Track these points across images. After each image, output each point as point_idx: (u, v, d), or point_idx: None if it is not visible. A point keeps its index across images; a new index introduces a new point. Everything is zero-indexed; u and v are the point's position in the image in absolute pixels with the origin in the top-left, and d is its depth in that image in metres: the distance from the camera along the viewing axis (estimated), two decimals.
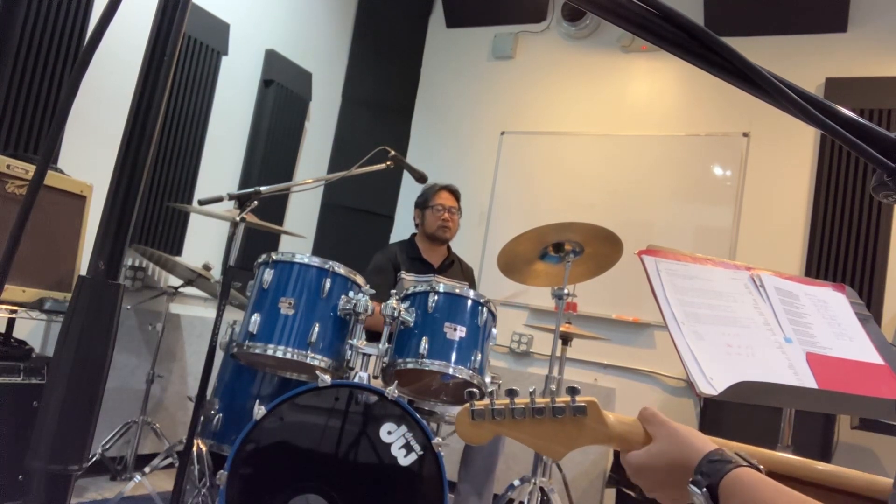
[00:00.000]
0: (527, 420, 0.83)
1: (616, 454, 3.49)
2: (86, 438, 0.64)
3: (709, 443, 0.77)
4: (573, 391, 0.82)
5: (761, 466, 0.73)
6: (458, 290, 2.36)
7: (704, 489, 0.71)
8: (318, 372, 2.08)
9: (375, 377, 2.31)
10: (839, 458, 3.35)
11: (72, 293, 0.73)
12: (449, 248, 3.29)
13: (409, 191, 4.68)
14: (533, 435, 0.83)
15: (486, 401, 0.84)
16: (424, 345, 2.24)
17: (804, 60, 3.91)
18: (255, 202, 2.38)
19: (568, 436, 0.82)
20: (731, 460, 0.72)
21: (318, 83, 4.52)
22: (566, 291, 2.72)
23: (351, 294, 2.27)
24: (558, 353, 2.87)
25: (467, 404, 0.85)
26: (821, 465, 0.84)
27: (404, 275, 2.97)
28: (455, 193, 3.20)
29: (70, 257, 2.58)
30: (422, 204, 3.20)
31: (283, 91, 4.18)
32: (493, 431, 0.85)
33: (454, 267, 3.25)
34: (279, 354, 2.16)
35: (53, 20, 2.88)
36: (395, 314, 2.28)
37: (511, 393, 0.83)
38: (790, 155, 3.89)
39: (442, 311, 2.31)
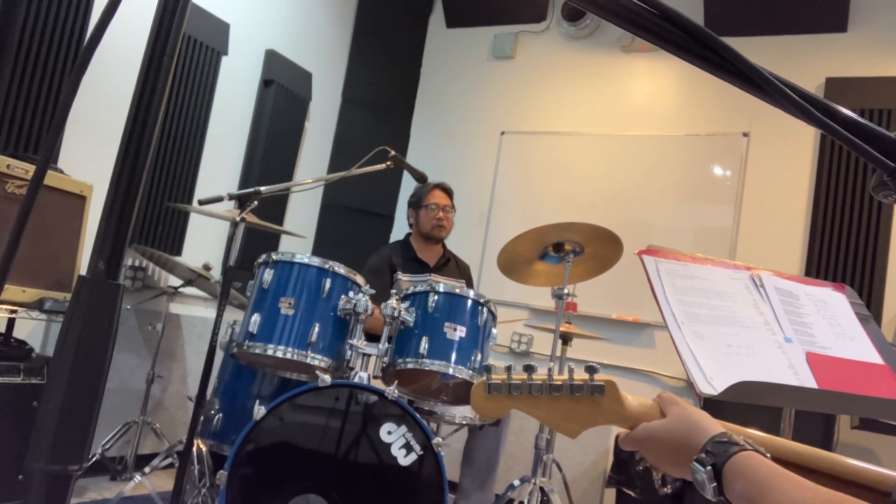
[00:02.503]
0: (543, 396, 0.82)
1: (617, 454, 3.49)
2: (86, 438, 0.64)
3: (717, 425, 0.77)
4: (592, 370, 0.81)
5: (767, 453, 0.73)
6: (457, 290, 2.36)
7: (709, 468, 0.72)
8: (318, 372, 2.09)
9: (375, 377, 2.31)
10: None
11: (72, 293, 0.73)
12: (444, 247, 3.28)
13: (409, 191, 4.65)
14: (549, 412, 0.82)
15: (504, 375, 0.83)
16: (424, 345, 2.24)
17: (804, 60, 3.90)
18: (255, 202, 2.38)
19: (584, 414, 0.82)
20: (738, 443, 0.73)
21: (318, 83, 4.52)
22: (566, 291, 2.72)
23: (351, 294, 2.27)
24: (558, 353, 2.87)
25: (484, 377, 0.84)
26: (830, 455, 0.83)
27: (401, 276, 2.96)
28: (448, 191, 3.19)
29: (70, 257, 2.58)
30: (415, 203, 3.18)
31: (283, 91, 4.18)
32: (509, 406, 0.83)
33: (450, 265, 3.25)
34: (279, 354, 2.16)
35: (53, 20, 2.88)
36: (395, 314, 2.28)
37: (529, 368, 0.82)
38: (790, 155, 3.89)
39: (442, 310, 2.31)
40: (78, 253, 2.60)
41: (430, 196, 3.13)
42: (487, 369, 0.84)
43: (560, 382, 0.81)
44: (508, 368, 0.84)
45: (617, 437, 0.86)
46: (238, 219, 2.38)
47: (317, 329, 2.18)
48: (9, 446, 2.30)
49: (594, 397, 0.81)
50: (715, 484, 0.71)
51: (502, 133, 4.66)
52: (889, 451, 3.38)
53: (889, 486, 0.79)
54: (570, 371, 0.82)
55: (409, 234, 3.25)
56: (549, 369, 0.82)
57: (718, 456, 0.72)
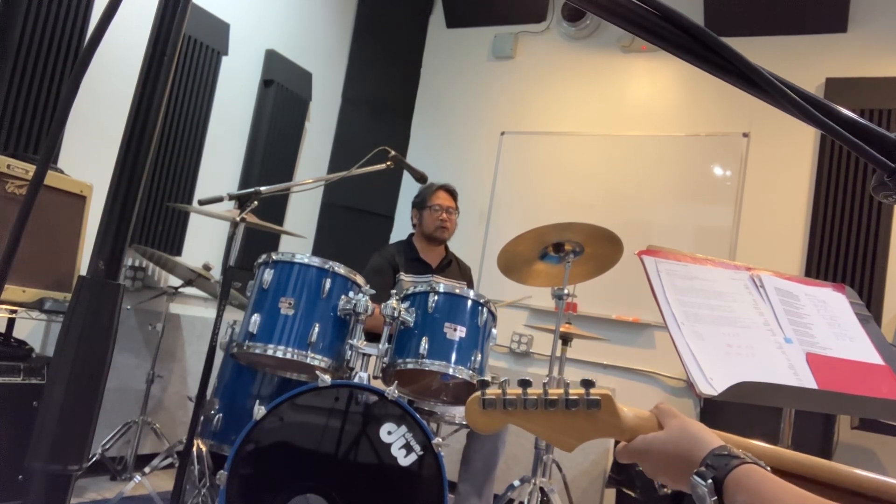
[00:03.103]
0: (539, 411, 0.81)
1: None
2: (86, 438, 0.64)
3: (716, 438, 0.77)
4: (587, 384, 0.81)
5: (768, 466, 0.72)
6: (458, 291, 2.36)
7: (709, 481, 0.71)
8: (318, 372, 2.09)
9: (375, 377, 2.31)
10: (839, 459, 3.35)
11: (72, 293, 0.73)
12: (447, 248, 3.28)
13: (409, 191, 4.67)
14: (544, 426, 0.82)
15: (498, 390, 0.83)
16: (424, 345, 2.24)
17: (804, 60, 3.90)
18: (255, 202, 2.38)
19: (581, 428, 0.81)
20: (738, 456, 0.72)
21: (318, 83, 4.52)
22: (566, 291, 2.71)
23: (351, 294, 2.27)
24: (558, 354, 2.86)
25: (478, 392, 0.83)
26: (832, 465, 0.83)
27: (403, 276, 2.97)
28: (452, 193, 3.19)
29: (70, 257, 2.58)
30: (419, 204, 3.18)
31: (283, 91, 4.18)
32: (504, 421, 0.83)
33: (452, 266, 3.25)
34: (279, 354, 2.16)
35: (53, 20, 2.88)
36: (395, 314, 2.28)
37: (524, 383, 0.82)
38: (790, 155, 3.89)
39: (442, 311, 2.31)
40: (78, 253, 2.60)
41: (434, 197, 3.13)
42: (483, 384, 0.83)
43: (555, 397, 0.81)
44: (503, 383, 0.83)
45: (615, 446, 0.85)
46: (238, 219, 2.38)
47: (317, 329, 2.18)
48: (9, 446, 2.30)
49: (590, 411, 0.80)
50: (716, 498, 0.70)
51: (502, 133, 4.66)
52: (889, 451, 3.38)
53: (893, 496, 0.78)
54: (566, 385, 0.81)
55: (411, 235, 3.26)
56: (545, 384, 0.82)
57: (719, 469, 0.71)
